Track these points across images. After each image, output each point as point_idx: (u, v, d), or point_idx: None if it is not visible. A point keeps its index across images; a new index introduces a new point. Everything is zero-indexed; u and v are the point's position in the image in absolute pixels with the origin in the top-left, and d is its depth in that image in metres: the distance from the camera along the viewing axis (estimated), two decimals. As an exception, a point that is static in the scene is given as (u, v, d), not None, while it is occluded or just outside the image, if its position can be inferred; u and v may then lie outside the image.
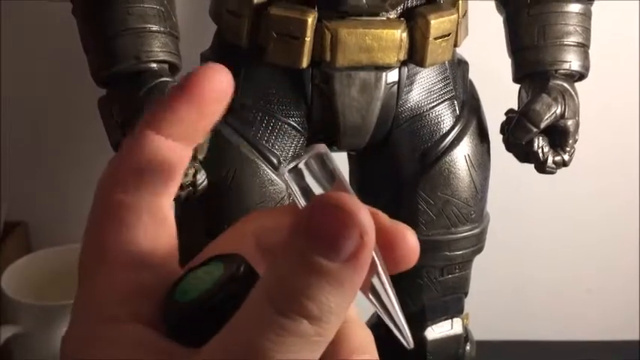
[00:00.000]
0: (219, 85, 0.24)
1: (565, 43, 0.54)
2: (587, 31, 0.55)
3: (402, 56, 0.51)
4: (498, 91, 0.57)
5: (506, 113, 0.56)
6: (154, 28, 0.46)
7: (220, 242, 0.26)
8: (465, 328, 0.62)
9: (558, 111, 0.53)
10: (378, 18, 0.49)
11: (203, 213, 0.52)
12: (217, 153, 0.50)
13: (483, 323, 0.69)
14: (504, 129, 0.55)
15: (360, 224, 0.20)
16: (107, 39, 0.46)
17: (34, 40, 0.78)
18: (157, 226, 0.24)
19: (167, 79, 0.46)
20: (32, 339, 0.68)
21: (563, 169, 0.56)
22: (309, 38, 0.48)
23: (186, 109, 0.24)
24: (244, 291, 0.21)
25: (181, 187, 0.46)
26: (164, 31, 0.47)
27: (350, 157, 0.59)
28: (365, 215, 0.21)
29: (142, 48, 0.46)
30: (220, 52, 0.53)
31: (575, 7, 0.55)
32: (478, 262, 0.60)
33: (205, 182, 0.47)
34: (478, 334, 0.65)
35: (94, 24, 0.46)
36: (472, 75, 0.60)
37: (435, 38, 0.51)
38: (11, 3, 0.76)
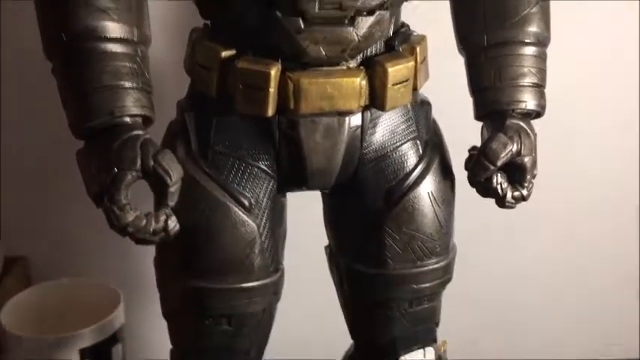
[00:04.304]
0: None
1: (520, 84, 0.57)
2: (542, 71, 0.58)
3: (363, 102, 0.54)
4: (467, 128, 0.60)
5: (468, 150, 0.59)
6: (127, 84, 0.49)
7: None
8: (440, 356, 0.64)
9: (514, 149, 0.56)
10: (338, 67, 0.53)
11: (178, 254, 0.55)
12: (190, 196, 0.53)
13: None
14: (466, 166, 0.58)
15: None
16: (83, 95, 0.49)
17: (34, 40, 0.80)
18: None
19: (139, 132, 0.49)
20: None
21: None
22: (272, 89, 0.51)
23: None
24: None
25: (154, 233, 0.49)
26: (137, 87, 0.50)
27: (322, 194, 0.62)
28: None
29: (115, 104, 0.49)
30: (194, 101, 0.56)
31: (529, 50, 0.57)
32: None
33: (177, 227, 0.50)
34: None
35: (71, 82, 0.49)
36: (444, 112, 0.63)
37: (394, 84, 0.53)
38: (11, 3, 0.78)
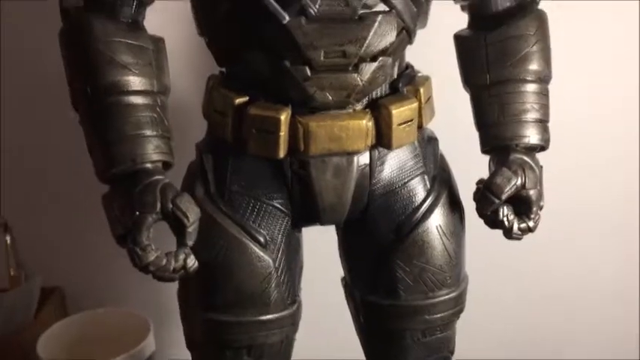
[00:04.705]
0: None
1: (523, 119, 0.59)
2: (544, 107, 0.60)
3: (370, 142, 0.56)
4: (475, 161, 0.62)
5: (476, 183, 0.61)
6: (148, 133, 0.53)
7: None
8: (456, 385, 0.66)
9: (519, 182, 0.57)
10: (345, 111, 0.55)
11: (198, 289, 0.58)
12: (209, 234, 0.57)
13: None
14: (474, 198, 0.60)
15: None
16: (108, 145, 0.53)
17: (34, 40, 0.81)
18: None
19: (159, 176, 0.53)
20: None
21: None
22: (283, 133, 0.54)
23: None
24: None
25: (174, 271, 0.52)
26: (157, 135, 0.53)
27: (336, 228, 0.64)
28: None
29: (137, 151, 0.52)
30: (211, 144, 0.60)
31: (530, 87, 0.59)
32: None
33: (196, 265, 0.53)
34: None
35: (96, 132, 0.53)
36: (452, 145, 0.65)
37: (399, 124, 0.56)
38: (11, 3, 0.81)
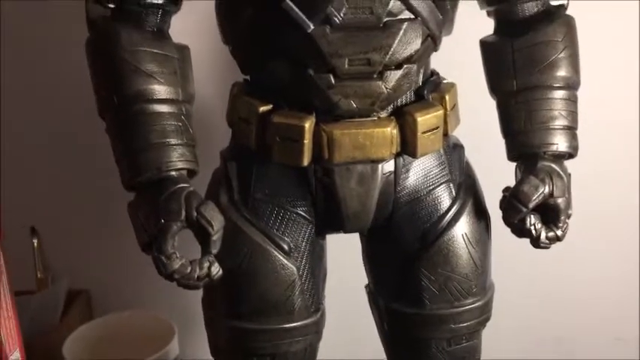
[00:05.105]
0: None
1: (551, 126, 0.58)
2: (572, 114, 0.59)
3: (395, 150, 0.56)
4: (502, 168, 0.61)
5: (502, 191, 0.60)
6: (173, 141, 0.53)
7: None
8: (481, 393, 0.65)
9: (546, 191, 0.57)
10: (370, 118, 0.55)
11: (223, 296, 0.58)
12: (233, 241, 0.57)
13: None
14: (500, 206, 0.59)
15: None
16: (134, 153, 0.53)
17: (34, 40, 0.82)
18: None
19: (184, 184, 0.53)
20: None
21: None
22: (307, 141, 0.54)
23: None
24: None
25: (199, 279, 0.52)
26: (182, 143, 0.54)
27: (360, 236, 0.64)
28: None
29: (162, 160, 0.53)
30: (235, 151, 0.60)
31: (558, 94, 0.58)
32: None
33: (220, 272, 0.53)
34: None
35: (122, 140, 0.54)
36: (479, 152, 0.64)
37: (424, 132, 0.55)
38: (11, 3, 0.81)
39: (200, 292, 0.63)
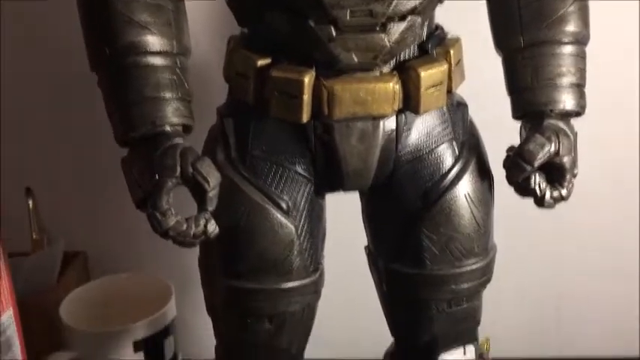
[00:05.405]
0: None
1: (558, 83, 0.56)
2: (581, 71, 0.57)
3: (397, 106, 0.54)
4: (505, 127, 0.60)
5: (507, 150, 0.59)
6: (168, 95, 0.51)
7: None
8: (481, 354, 0.64)
9: (552, 149, 0.55)
10: (371, 73, 0.53)
11: (219, 255, 0.57)
12: (230, 199, 0.55)
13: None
14: (504, 166, 0.58)
15: None
16: (127, 107, 0.51)
17: (34, 40, 0.81)
18: None
19: (179, 140, 0.51)
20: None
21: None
22: (306, 96, 0.53)
23: None
24: None
25: (194, 236, 0.51)
26: (176, 97, 0.52)
27: (360, 195, 0.63)
28: None
29: (156, 114, 0.51)
30: (232, 107, 0.58)
31: (567, 50, 0.56)
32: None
33: (217, 230, 0.52)
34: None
35: (115, 94, 0.52)
36: (482, 110, 0.62)
37: (427, 88, 0.54)
38: (11, 3, 0.80)
39: (197, 253, 0.62)
